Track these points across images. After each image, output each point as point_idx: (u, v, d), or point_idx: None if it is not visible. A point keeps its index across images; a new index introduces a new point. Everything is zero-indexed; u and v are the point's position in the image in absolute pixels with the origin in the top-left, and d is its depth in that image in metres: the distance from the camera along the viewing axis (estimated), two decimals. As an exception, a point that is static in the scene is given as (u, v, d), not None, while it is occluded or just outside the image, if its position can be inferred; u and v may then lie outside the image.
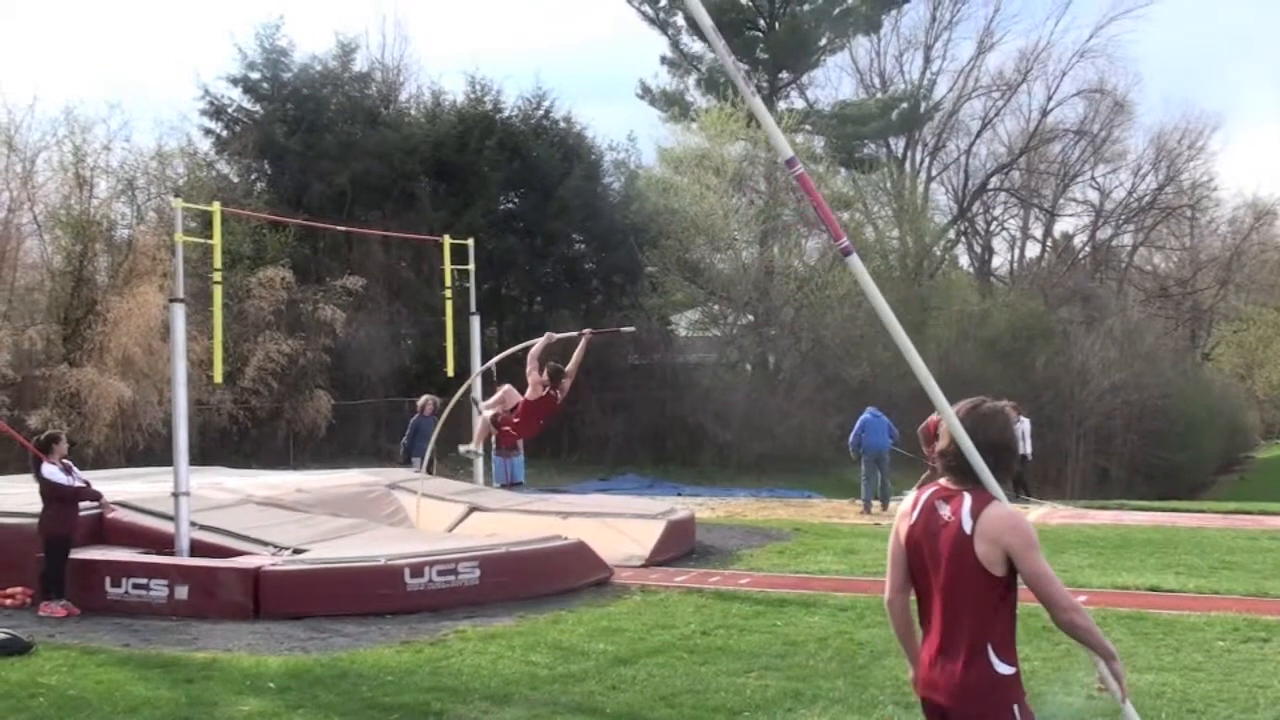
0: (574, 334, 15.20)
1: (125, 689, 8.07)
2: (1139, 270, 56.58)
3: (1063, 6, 67.03)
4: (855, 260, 4.14)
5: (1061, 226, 55.64)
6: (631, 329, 15.70)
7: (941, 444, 3.97)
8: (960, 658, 3.77)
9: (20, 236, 28.97)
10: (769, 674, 8.25)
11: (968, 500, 3.82)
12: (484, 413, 15.10)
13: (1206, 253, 57.26)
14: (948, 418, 3.93)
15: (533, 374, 14.09)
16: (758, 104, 4.08)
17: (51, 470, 11.14)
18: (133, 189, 29.51)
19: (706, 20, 4.07)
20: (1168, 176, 53.62)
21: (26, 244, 29.47)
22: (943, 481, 3.97)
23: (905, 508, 4.03)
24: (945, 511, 3.85)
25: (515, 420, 14.45)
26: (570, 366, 14.55)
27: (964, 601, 3.79)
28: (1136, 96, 53.75)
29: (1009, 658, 3.79)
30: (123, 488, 13.14)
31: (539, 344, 14.37)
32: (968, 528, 3.77)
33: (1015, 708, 3.74)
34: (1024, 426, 22.92)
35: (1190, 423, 43.45)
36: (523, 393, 14.60)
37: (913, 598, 4.06)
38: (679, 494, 24.58)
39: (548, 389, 14.17)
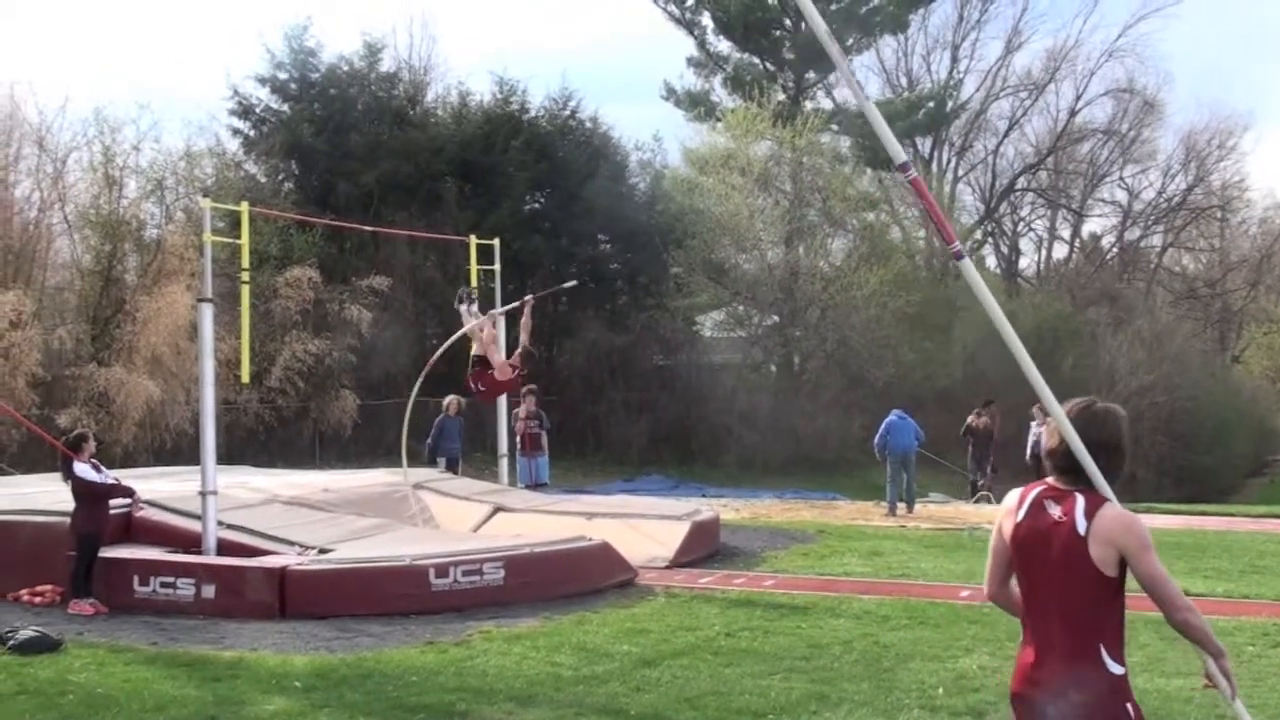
0: (516, 304, 14.94)
1: (153, 687, 8.11)
2: (1168, 271, 56.21)
3: (1091, 6, 66.47)
4: (968, 265, 4.11)
5: (1089, 227, 55.36)
6: (574, 283, 15.60)
7: (1051, 443, 3.95)
8: (1072, 657, 3.78)
9: (50, 236, 29.19)
10: (794, 676, 8.24)
11: (1080, 501, 3.81)
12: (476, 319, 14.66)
13: (1236, 254, 56.84)
14: (1058, 418, 3.89)
15: (497, 358, 13.89)
16: (871, 108, 4.05)
17: (84, 469, 11.23)
18: (161, 189, 29.69)
19: (821, 25, 4.03)
20: (1197, 177, 53.25)
21: (57, 244, 29.72)
22: (1050, 480, 3.95)
23: (1010, 505, 4.02)
24: (1056, 512, 3.84)
25: (482, 389, 14.19)
26: (526, 338, 14.43)
27: (1076, 602, 3.79)
28: (1166, 96, 53.36)
29: (1120, 657, 3.79)
30: (150, 486, 13.21)
31: (489, 329, 14.09)
32: (1082, 529, 3.76)
33: (1129, 706, 3.76)
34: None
35: (1219, 425, 43.11)
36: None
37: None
38: (703, 495, 24.54)
39: (517, 370, 14.10)
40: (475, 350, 13.91)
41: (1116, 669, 3.77)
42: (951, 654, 8.89)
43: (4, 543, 11.99)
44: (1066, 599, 3.80)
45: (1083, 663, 3.76)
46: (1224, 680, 3.81)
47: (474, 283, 16.87)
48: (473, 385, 14.00)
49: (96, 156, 28.20)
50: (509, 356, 14.10)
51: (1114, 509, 3.79)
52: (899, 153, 4.18)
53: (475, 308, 14.65)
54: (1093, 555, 3.73)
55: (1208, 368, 47.73)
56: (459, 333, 14.59)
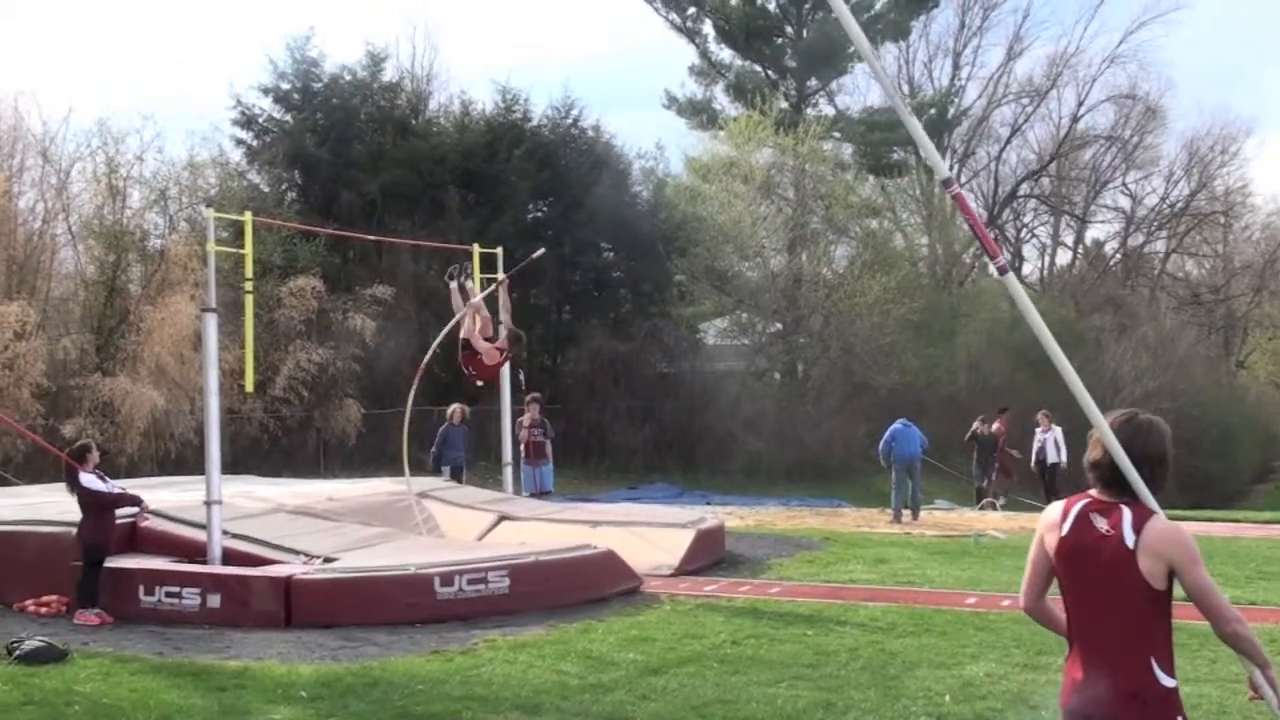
0: (491, 288, 14.75)
1: (158, 697, 8.11)
2: (1171, 277, 56.20)
3: (1092, 12, 66.41)
4: (1012, 279, 4.09)
5: (1093, 233, 55.39)
6: (542, 250, 15.52)
7: (1094, 455, 3.93)
8: (1124, 671, 3.76)
9: (55, 247, 29.26)
10: (800, 684, 8.22)
11: (1127, 514, 3.79)
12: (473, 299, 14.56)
13: (1240, 259, 56.81)
14: (1102, 430, 3.87)
15: (482, 344, 13.79)
16: (914, 123, 4.04)
17: (89, 479, 11.23)
18: (165, 199, 29.74)
19: (864, 43, 4.02)
20: (1200, 182, 53.29)
21: (61, 254, 29.79)
22: (1093, 493, 3.93)
23: (1051, 518, 3.99)
24: (1103, 525, 3.82)
25: (472, 371, 14.12)
26: (508, 319, 14.37)
27: (1125, 615, 3.77)
28: (1168, 102, 53.14)
29: (1170, 670, 3.78)
30: (155, 496, 13.22)
31: (471, 318, 13.93)
32: (1130, 542, 3.74)
33: (1179, 719, 3.76)
34: (1056, 435, 22.84)
35: (1224, 431, 43.07)
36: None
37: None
38: (708, 503, 24.53)
39: (505, 353, 14.08)
40: (463, 334, 13.85)
41: (1168, 681, 3.76)
42: (958, 661, 8.88)
43: (10, 553, 12.00)
44: (1115, 612, 3.78)
45: (1135, 676, 3.74)
46: (1270, 691, 3.80)
47: (478, 289, 16.87)
48: (464, 369, 13.97)
49: (100, 167, 28.30)
50: (495, 339, 14.04)
51: (1162, 522, 3.77)
52: (942, 168, 4.17)
53: (471, 283, 14.55)
54: (1141, 568, 3.71)
55: (1212, 374, 47.73)
56: (451, 323, 14.39)
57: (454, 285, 14.43)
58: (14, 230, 27.93)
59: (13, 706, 7.93)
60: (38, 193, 28.96)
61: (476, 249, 17.31)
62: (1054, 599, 4.05)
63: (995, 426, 23.61)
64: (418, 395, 15.37)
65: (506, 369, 17.23)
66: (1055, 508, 4.02)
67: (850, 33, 3.98)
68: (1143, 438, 3.88)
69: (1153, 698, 3.74)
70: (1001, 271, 4.09)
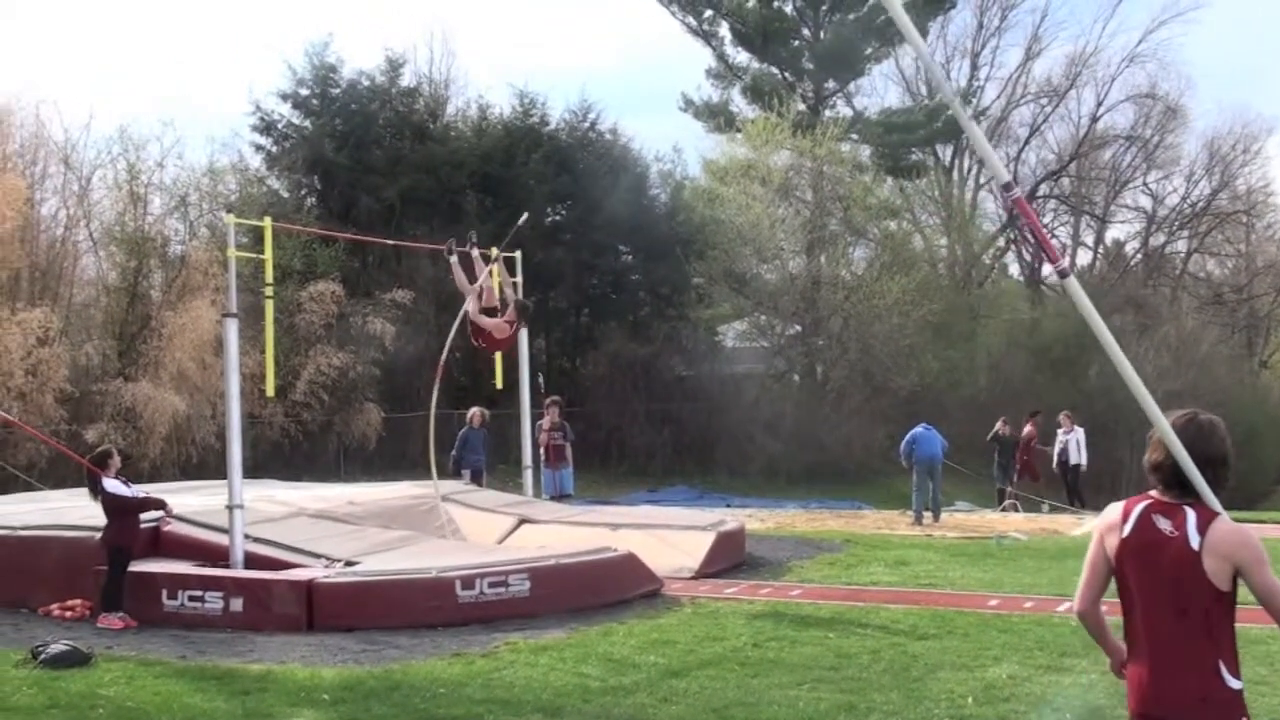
0: (490, 267, 14.43)
1: (182, 700, 8.14)
2: (1193, 277, 55.85)
3: (1110, 11, 66.35)
4: (1073, 282, 4.07)
5: (1113, 233, 55.08)
6: (525, 215, 15.47)
7: (1156, 456, 3.90)
8: (1193, 674, 3.74)
9: (77, 253, 29.46)
10: (821, 686, 8.21)
11: (1191, 516, 3.76)
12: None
13: (1263, 258, 56.41)
14: (1163, 431, 3.85)
15: (488, 321, 13.67)
16: (974, 129, 4.02)
17: (113, 484, 11.29)
18: (185, 205, 29.93)
19: (922, 46, 4.02)
20: (1222, 182, 52.93)
21: (83, 261, 29.99)
22: (1155, 494, 3.91)
23: (1111, 520, 3.96)
24: (1166, 526, 3.79)
25: (482, 344, 14.08)
26: (511, 293, 14.34)
27: (1191, 618, 3.75)
28: (1188, 101, 52.90)
29: (1237, 672, 3.77)
30: (178, 501, 13.27)
31: (474, 300, 13.83)
32: (1195, 544, 3.72)
33: None
34: (1077, 436, 22.75)
35: (1248, 431, 42.72)
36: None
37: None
38: (728, 505, 24.51)
39: (515, 325, 14.06)
40: (471, 317, 13.82)
41: (1235, 684, 3.75)
42: (980, 663, 8.84)
43: (34, 558, 12.08)
44: (1180, 615, 3.75)
45: (1203, 679, 3.73)
46: None
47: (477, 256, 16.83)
48: (474, 341, 13.95)
49: (121, 174, 28.51)
50: (502, 311, 14.01)
51: (1227, 523, 3.75)
52: (1002, 173, 4.15)
53: (476, 251, 14.51)
54: (1207, 570, 3.69)
55: (1235, 373, 47.41)
56: (462, 311, 14.28)
57: (454, 260, 14.42)
58: (36, 237, 28.15)
59: (38, 710, 7.98)
60: (59, 200, 29.21)
61: (495, 252, 17.34)
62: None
63: (1026, 429, 23.53)
64: (439, 399, 15.38)
65: (526, 365, 17.31)
66: (1115, 509, 3.98)
67: (907, 35, 3.99)
68: (1205, 439, 3.85)
69: (1221, 701, 3.72)
70: (1062, 275, 4.06)
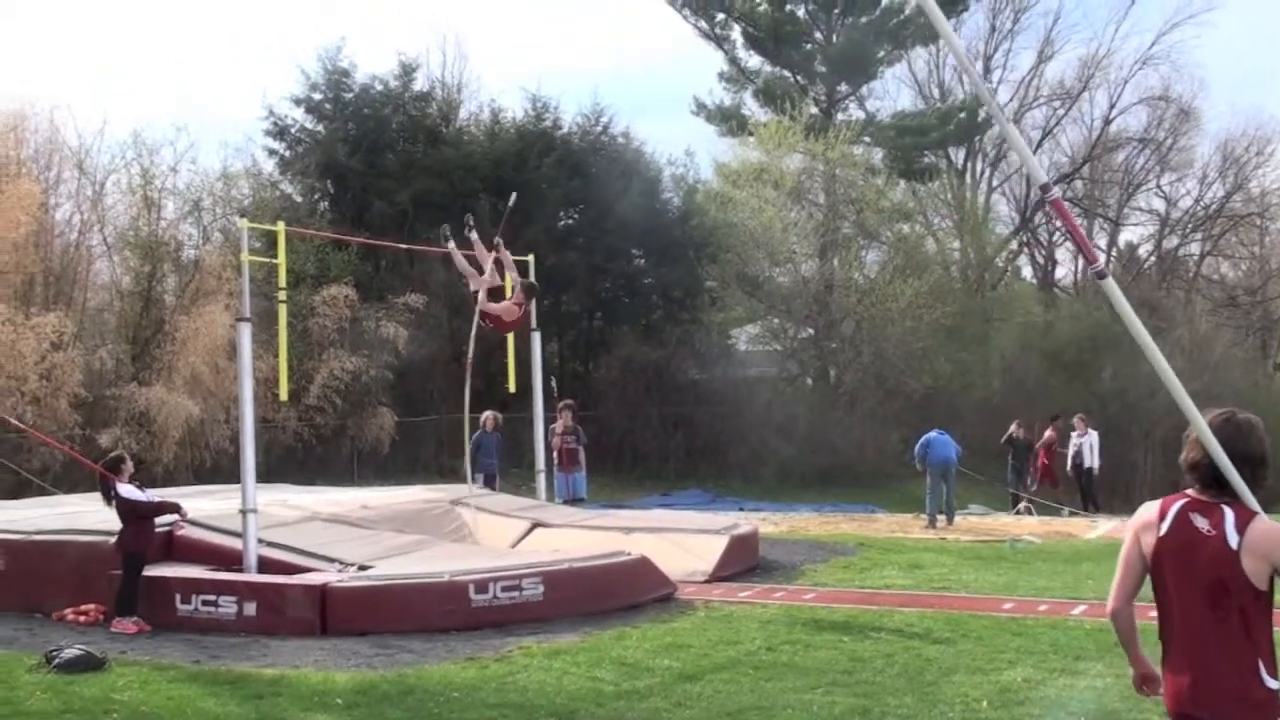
0: (489, 258, 14.37)
1: (196, 705, 8.16)
2: (1207, 279, 55.63)
3: (1123, 14, 65.99)
4: (1110, 283, 4.05)
5: (1126, 236, 54.89)
6: (514, 195, 15.46)
7: (1193, 455, 3.89)
8: (1231, 674, 3.73)
9: (90, 258, 29.57)
10: (835, 690, 8.19)
11: (1229, 515, 3.75)
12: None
13: (1277, 260, 56.13)
14: (1201, 430, 3.84)
15: (496, 307, 13.72)
16: (1012, 131, 4.02)
17: (128, 489, 11.32)
18: (199, 210, 30.00)
19: (958, 45, 4.00)
20: (1235, 184, 52.71)
21: (96, 265, 30.11)
22: (1191, 493, 3.89)
23: (1147, 518, 3.94)
24: (1204, 525, 3.78)
25: (491, 325, 14.07)
26: (516, 275, 14.31)
27: (1229, 617, 3.73)
28: (1202, 103, 52.53)
29: (1275, 672, 3.75)
30: (191, 505, 13.29)
31: (484, 292, 13.86)
32: (1234, 543, 3.71)
33: None
34: (1091, 439, 22.68)
35: (1262, 434, 42.61)
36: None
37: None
38: (741, 509, 24.48)
39: (523, 307, 14.02)
40: (480, 307, 13.83)
41: (1273, 684, 3.73)
42: (995, 667, 8.82)
43: (49, 562, 12.11)
44: (1218, 614, 3.74)
45: (1242, 679, 3.71)
46: None
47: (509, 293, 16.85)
48: (483, 323, 13.93)
49: (135, 179, 28.59)
50: (509, 294, 13.98)
51: (1266, 522, 3.73)
52: (1040, 174, 4.14)
53: (474, 234, 14.47)
54: (1245, 569, 3.67)
55: (1249, 376, 47.20)
56: (477, 308, 14.24)
57: (451, 247, 14.45)
58: (51, 242, 28.26)
59: (52, 714, 8.00)
60: (74, 205, 29.34)
61: (498, 240, 17.29)
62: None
63: (1047, 434, 23.48)
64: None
65: (539, 369, 17.33)
66: (1151, 507, 3.96)
67: (944, 34, 3.97)
68: (1243, 438, 3.84)
69: (1260, 701, 3.71)
70: (1100, 276, 4.04)
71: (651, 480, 32.70)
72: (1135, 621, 4.03)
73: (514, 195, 15.48)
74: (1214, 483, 3.80)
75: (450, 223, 15.27)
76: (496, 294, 14.18)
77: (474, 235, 14.53)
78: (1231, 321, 52.37)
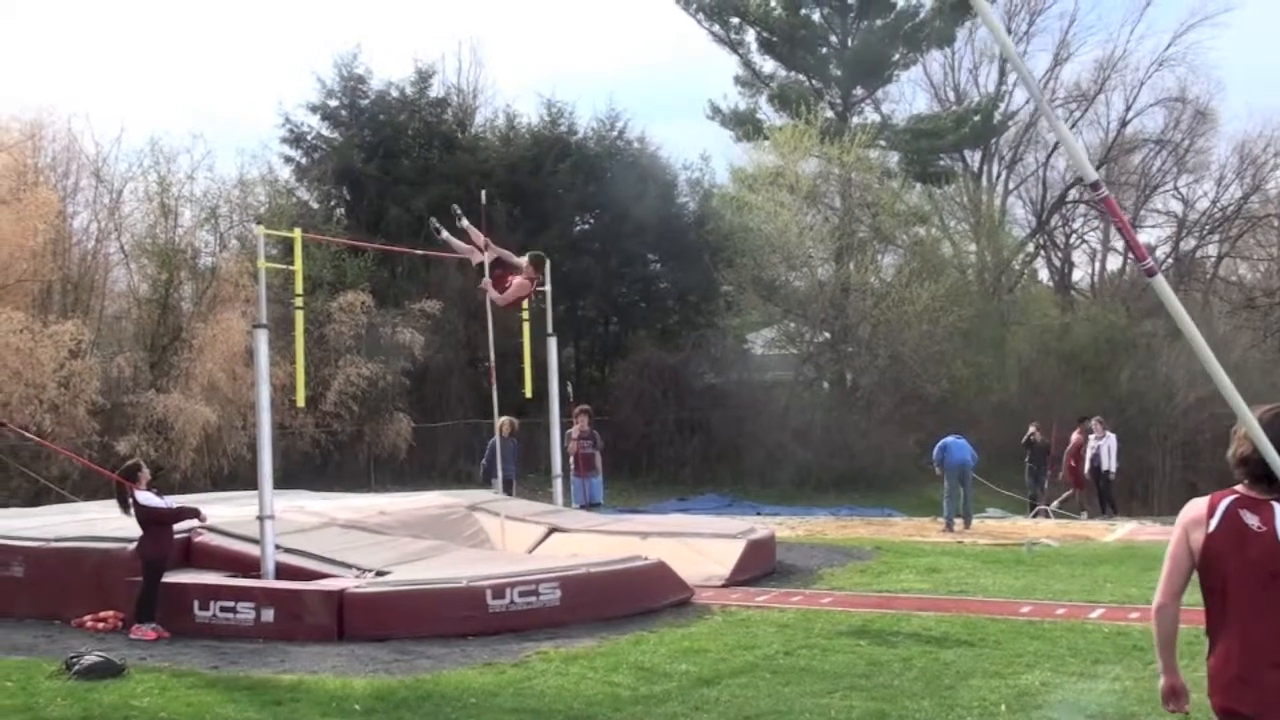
0: (484, 239, 14.23)
1: (215, 711, 8.18)
2: (1224, 281, 55.38)
3: (1139, 15, 65.83)
4: (1160, 281, 4.04)
5: (1144, 238, 54.63)
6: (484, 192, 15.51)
7: (1243, 450, 3.88)
8: None
9: (108, 266, 29.68)
10: (853, 694, 8.18)
11: (1279, 511, 3.74)
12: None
13: (1294, 262, 55.92)
14: (1250, 426, 3.82)
15: (507, 294, 13.62)
16: (1063, 129, 4.02)
17: (146, 496, 11.35)
18: (215, 217, 30.12)
19: (1010, 47, 4.00)
20: (1253, 185, 52.48)
21: (114, 273, 30.22)
22: (1240, 489, 3.88)
23: (1196, 514, 3.92)
24: (1254, 522, 3.77)
25: (500, 296, 13.97)
26: (515, 251, 14.27)
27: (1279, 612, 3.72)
28: (1218, 104, 52.33)
29: None
30: (209, 511, 13.33)
31: (495, 289, 13.79)
32: None
33: None
34: (1109, 443, 22.61)
35: (1280, 437, 42.40)
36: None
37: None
38: (758, 513, 24.45)
39: (534, 280, 13.91)
40: (500, 303, 13.82)
41: None
42: (1013, 670, 8.79)
43: (68, 569, 12.14)
44: (1269, 610, 3.72)
45: None
46: None
47: (525, 304, 16.86)
48: (494, 293, 13.87)
49: (152, 186, 28.73)
50: (519, 270, 13.84)
51: None
52: (1090, 171, 4.11)
53: (465, 221, 14.44)
54: None
55: (1268, 378, 46.91)
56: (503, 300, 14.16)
57: (444, 235, 14.49)
58: (69, 250, 28.39)
59: (72, 720, 8.03)
60: (91, 213, 29.47)
61: (525, 261, 17.35)
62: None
63: (1074, 437, 23.43)
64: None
65: (555, 374, 17.33)
66: (1199, 504, 3.94)
67: (996, 35, 3.96)
68: None
69: None
70: (1149, 274, 4.02)
71: (668, 485, 32.70)
72: (1179, 621, 4.00)
73: (484, 194, 15.49)
74: (1263, 478, 3.79)
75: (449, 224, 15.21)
76: (502, 283, 14.06)
77: (464, 223, 14.55)
78: (1250, 323, 52.12)
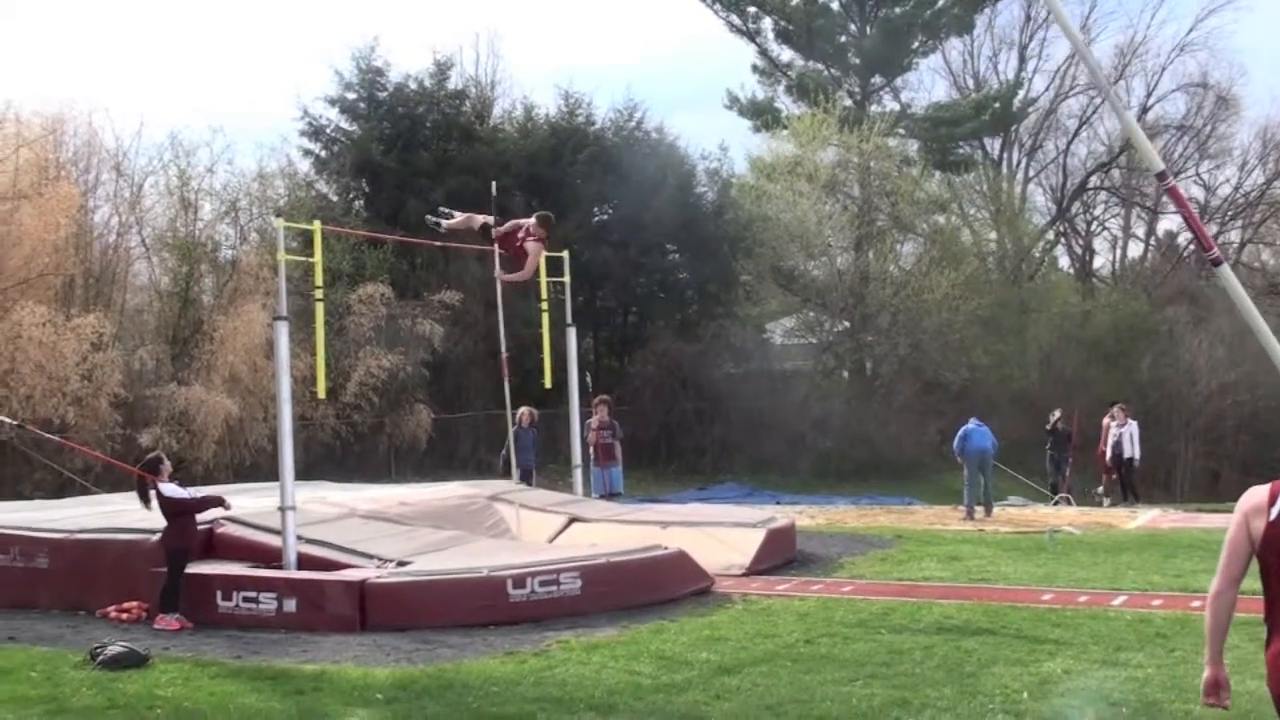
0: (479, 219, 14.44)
1: (238, 700, 8.22)
2: (1247, 267, 55.00)
3: (1159, 0, 65.39)
4: (1226, 270, 4.03)
5: (1165, 224, 54.33)
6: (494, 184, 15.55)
7: None
8: None
9: (129, 259, 29.80)
10: (874, 682, 8.17)
11: None
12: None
13: (1318, 247, 55.55)
14: None
15: (526, 242, 13.65)
16: (1129, 118, 4.03)
17: (169, 487, 11.41)
18: (235, 210, 30.19)
19: (1077, 35, 4.00)
20: (1276, 170, 52.10)
21: (135, 266, 30.34)
22: None
23: (1256, 502, 3.90)
24: None
25: (518, 276, 14.00)
26: (518, 222, 14.25)
27: None
28: (1241, 90, 52.04)
29: None
30: (231, 503, 13.40)
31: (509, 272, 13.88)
32: None
33: None
34: (1131, 430, 22.51)
35: (1303, 424, 42.16)
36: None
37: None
38: (778, 502, 24.43)
39: (543, 240, 13.95)
40: (519, 278, 13.82)
41: None
42: (1035, 658, 8.77)
43: (92, 560, 12.23)
44: None
45: None
46: None
47: (544, 295, 16.91)
48: (504, 250, 13.88)
49: (172, 180, 28.82)
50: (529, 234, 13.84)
51: None
52: (1156, 161, 4.11)
53: (459, 215, 14.55)
54: None
55: (1291, 365, 46.73)
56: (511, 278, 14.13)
57: (443, 228, 14.54)
58: (90, 244, 28.52)
59: (96, 711, 8.08)
60: (112, 207, 29.56)
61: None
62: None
63: (1106, 422, 23.34)
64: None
65: (574, 364, 17.35)
66: (1259, 492, 3.91)
67: (1063, 26, 3.95)
68: None
69: None
70: (1215, 264, 4.01)
71: (688, 474, 32.69)
72: (1234, 610, 3.97)
73: (494, 185, 15.53)
74: None
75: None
76: (516, 253, 14.02)
77: (455, 213, 14.63)
78: (1273, 309, 51.73)
